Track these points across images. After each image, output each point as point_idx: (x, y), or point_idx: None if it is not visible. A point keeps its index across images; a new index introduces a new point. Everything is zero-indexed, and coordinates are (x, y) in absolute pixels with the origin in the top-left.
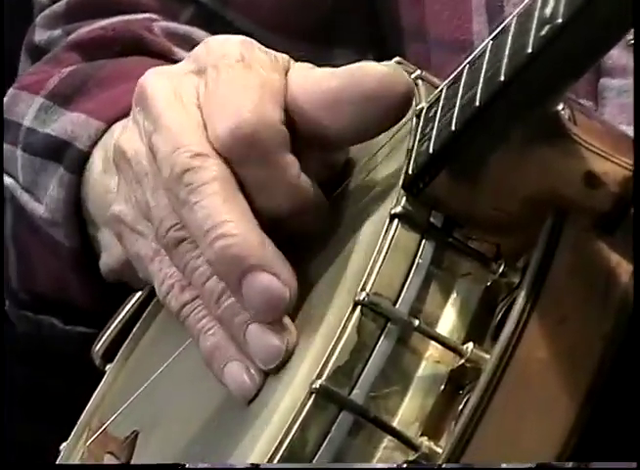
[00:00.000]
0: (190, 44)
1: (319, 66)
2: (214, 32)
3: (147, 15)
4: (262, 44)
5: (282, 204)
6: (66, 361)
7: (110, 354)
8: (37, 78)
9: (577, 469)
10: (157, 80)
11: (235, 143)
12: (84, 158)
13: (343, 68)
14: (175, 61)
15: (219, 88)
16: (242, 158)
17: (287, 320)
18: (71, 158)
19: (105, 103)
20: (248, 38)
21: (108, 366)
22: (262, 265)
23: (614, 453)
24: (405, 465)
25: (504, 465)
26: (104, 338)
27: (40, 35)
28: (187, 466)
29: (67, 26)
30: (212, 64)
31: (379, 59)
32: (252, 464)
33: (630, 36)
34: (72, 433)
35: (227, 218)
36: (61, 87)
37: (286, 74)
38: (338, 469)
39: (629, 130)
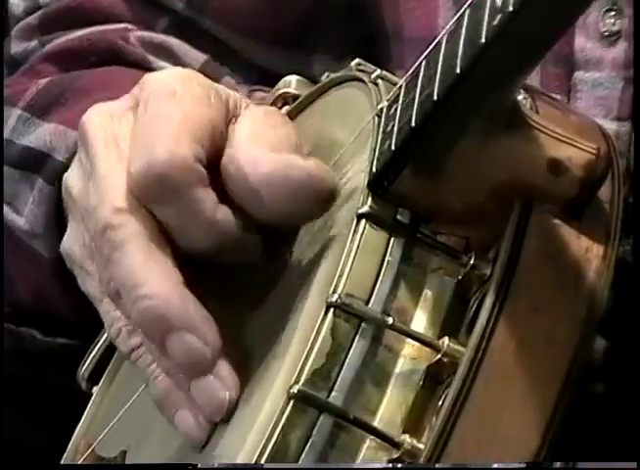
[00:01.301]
0: (166, 53)
1: (299, 73)
2: (191, 41)
3: (122, 25)
4: (240, 52)
5: (200, 241)
6: (48, 372)
7: (95, 377)
8: (14, 90)
9: (565, 469)
10: (97, 121)
11: (146, 182)
12: (63, 169)
13: (278, 156)
14: (151, 69)
15: (142, 124)
16: (155, 197)
17: (227, 372)
18: (50, 169)
19: (82, 113)
20: (191, 72)
21: (94, 389)
22: (183, 326)
23: (614, 453)
24: (400, 465)
25: (495, 465)
26: (88, 360)
27: (16, 47)
28: (199, 466)
29: (42, 38)
30: (143, 99)
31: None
32: (255, 463)
33: (605, 27)
34: (64, 456)
35: (147, 278)
36: (38, 99)
37: (231, 119)
38: (337, 469)
39: (605, 123)
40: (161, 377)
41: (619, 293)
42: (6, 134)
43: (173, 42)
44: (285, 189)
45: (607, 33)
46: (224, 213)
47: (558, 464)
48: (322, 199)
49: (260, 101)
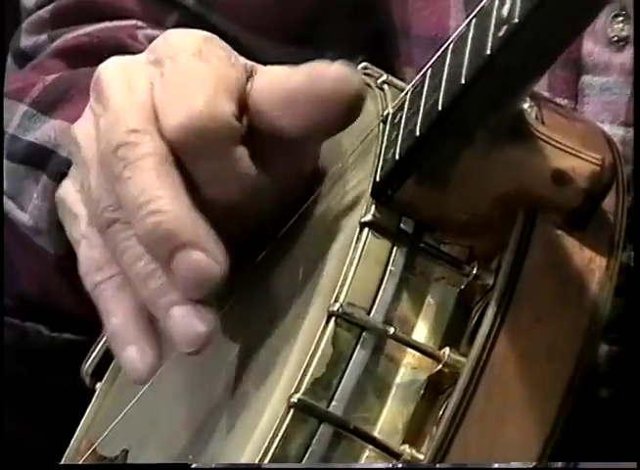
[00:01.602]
0: None
1: None
2: None
3: (132, 21)
4: (249, 49)
5: (232, 195)
6: (54, 368)
7: (99, 373)
8: (21, 86)
9: (566, 469)
10: (112, 69)
11: (186, 136)
12: (68, 165)
13: (301, 67)
14: None
15: (174, 79)
16: (193, 150)
17: (210, 311)
18: (54, 166)
19: None
20: (209, 34)
21: (98, 384)
22: (194, 242)
23: (614, 453)
24: (400, 466)
25: (496, 465)
26: (92, 356)
27: (26, 41)
28: (193, 466)
29: (52, 32)
30: (170, 55)
31: (371, 60)
32: (255, 463)
33: (613, 33)
34: (65, 454)
35: (160, 194)
36: (44, 95)
37: (248, 77)
38: (337, 469)
39: (611, 129)
40: (118, 312)
41: (621, 298)
42: (11, 130)
43: None
44: (314, 96)
45: (615, 38)
46: (258, 170)
47: (559, 464)
48: (349, 103)
49: None
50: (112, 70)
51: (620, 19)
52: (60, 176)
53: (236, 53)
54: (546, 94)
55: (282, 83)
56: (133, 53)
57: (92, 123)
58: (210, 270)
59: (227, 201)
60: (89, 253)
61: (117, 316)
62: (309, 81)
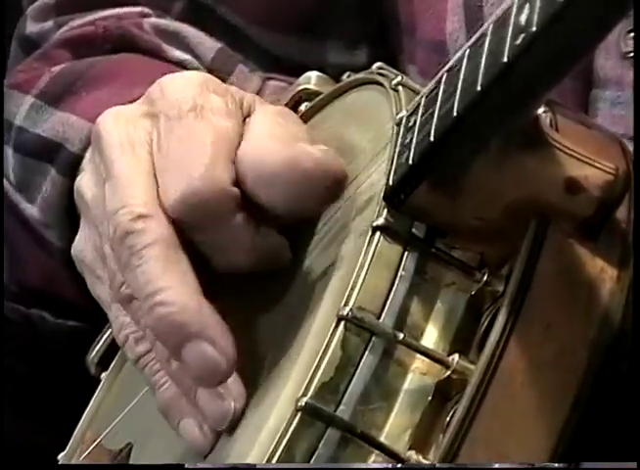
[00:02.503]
0: (180, 42)
1: (312, 61)
2: (205, 27)
3: (138, 8)
4: (254, 39)
5: (240, 262)
6: (58, 355)
7: (105, 362)
8: (28, 77)
9: (566, 469)
10: (112, 124)
11: (186, 210)
12: (76, 160)
13: (284, 144)
14: (165, 58)
15: (169, 143)
16: (195, 224)
17: (235, 383)
18: (63, 160)
19: (94, 104)
20: (204, 76)
21: (103, 374)
22: (200, 334)
23: (613, 453)
24: (399, 465)
25: (496, 465)
26: (98, 345)
27: (31, 27)
28: (186, 466)
29: (58, 19)
30: (165, 111)
31: (373, 53)
32: (252, 464)
33: (626, 48)
34: (68, 446)
35: (165, 285)
36: (51, 86)
37: (245, 119)
38: (337, 469)
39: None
40: (167, 385)
41: None
42: (19, 122)
43: (188, 30)
44: (296, 176)
45: (629, 53)
46: (262, 233)
47: (560, 465)
48: (330, 185)
49: (275, 95)
50: (111, 127)
51: (633, 34)
52: (68, 170)
53: (234, 89)
54: None
55: (264, 162)
56: (139, 42)
57: (96, 181)
58: (217, 361)
59: (234, 268)
60: (122, 319)
61: (168, 390)
62: (291, 163)
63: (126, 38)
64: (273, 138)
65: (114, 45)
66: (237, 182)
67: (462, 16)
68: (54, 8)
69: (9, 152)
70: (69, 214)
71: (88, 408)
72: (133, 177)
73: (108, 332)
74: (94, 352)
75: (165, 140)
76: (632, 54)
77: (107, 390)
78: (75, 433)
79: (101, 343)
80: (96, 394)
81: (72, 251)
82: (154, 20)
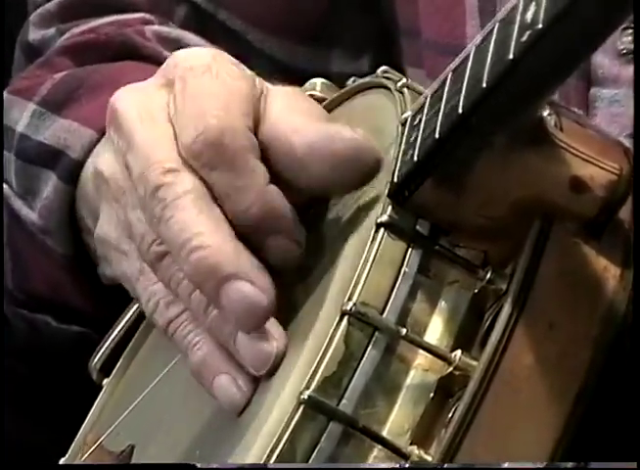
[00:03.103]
0: (182, 48)
1: (315, 68)
2: (208, 33)
3: (140, 15)
4: (257, 45)
5: (250, 208)
6: (62, 359)
7: (107, 368)
8: (30, 83)
9: (577, 469)
10: (127, 98)
11: (201, 149)
12: (78, 167)
13: (322, 125)
14: None
15: (186, 99)
16: (209, 163)
17: (274, 325)
18: (65, 167)
19: (96, 111)
20: (218, 50)
21: (105, 380)
22: (238, 274)
23: (614, 453)
24: (407, 466)
25: (506, 465)
26: (100, 352)
27: (34, 34)
28: (198, 466)
29: (60, 26)
30: (179, 76)
31: (376, 58)
32: (259, 463)
33: (622, 45)
34: (70, 448)
35: (201, 230)
36: (53, 93)
37: (260, 94)
38: (338, 469)
39: (621, 140)
40: (200, 344)
41: None
42: (21, 129)
43: (190, 38)
44: (330, 158)
45: (624, 51)
46: (274, 187)
47: (570, 464)
48: (366, 170)
49: None
50: (127, 101)
51: (630, 31)
52: (70, 177)
53: (245, 67)
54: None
55: (301, 136)
56: (141, 49)
57: (115, 157)
58: (258, 299)
59: (246, 218)
60: (151, 288)
61: (202, 349)
62: (327, 142)
63: (128, 45)
64: (299, 113)
65: (116, 52)
66: (262, 158)
67: (478, 20)
68: (56, 15)
69: (11, 158)
70: (71, 221)
71: (90, 413)
72: (156, 141)
73: (110, 339)
74: (96, 359)
75: (181, 97)
76: (626, 51)
77: (109, 395)
78: (77, 437)
79: (103, 349)
80: (98, 399)
81: (95, 234)
82: (156, 27)
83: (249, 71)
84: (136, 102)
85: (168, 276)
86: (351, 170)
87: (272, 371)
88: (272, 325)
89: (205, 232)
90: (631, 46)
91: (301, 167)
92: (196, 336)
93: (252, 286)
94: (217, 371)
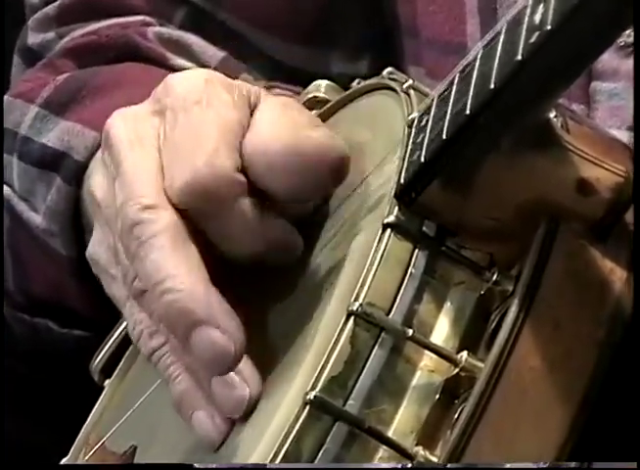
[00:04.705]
0: (184, 50)
1: (315, 69)
2: (208, 34)
3: (140, 17)
4: (258, 46)
5: (247, 249)
6: (63, 363)
7: (108, 369)
8: (32, 86)
9: (579, 469)
10: (121, 123)
11: (190, 197)
12: (81, 169)
13: (295, 132)
14: (169, 66)
15: (175, 135)
16: (199, 211)
17: (248, 368)
18: (68, 169)
19: (99, 112)
20: (212, 73)
21: (106, 382)
22: (207, 320)
23: (614, 453)
24: (409, 465)
25: (508, 465)
26: (102, 353)
27: (33, 38)
28: (195, 466)
29: (59, 29)
30: (171, 106)
31: (377, 59)
32: (261, 464)
33: (621, 39)
34: (72, 449)
35: (172, 273)
36: (55, 96)
37: (252, 111)
38: (339, 469)
39: (620, 134)
40: (181, 378)
41: None
42: (24, 131)
43: (192, 39)
44: (295, 161)
45: (623, 44)
46: (268, 220)
47: (573, 464)
48: (332, 168)
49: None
50: (120, 127)
51: None
52: (74, 179)
53: (241, 83)
54: (562, 99)
55: (267, 148)
56: (142, 51)
57: (106, 181)
58: (225, 346)
59: (244, 257)
60: (136, 316)
61: (181, 383)
62: (292, 148)
63: (130, 47)
64: (277, 126)
65: (118, 54)
66: (243, 170)
67: (478, 18)
68: (54, 19)
69: (14, 161)
70: (75, 223)
71: (92, 414)
72: (141, 171)
73: (111, 340)
74: (97, 360)
75: (171, 132)
76: (625, 44)
77: (110, 396)
78: (79, 438)
79: (104, 350)
80: (99, 400)
81: (87, 254)
82: (157, 28)
83: (244, 91)
84: (128, 127)
85: (150, 311)
86: (315, 171)
87: (245, 417)
88: (246, 368)
89: (177, 275)
90: (630, 39)
91: (273, 175)
92: (176, 369)
93: (221, 333)
94: (196, 406)
